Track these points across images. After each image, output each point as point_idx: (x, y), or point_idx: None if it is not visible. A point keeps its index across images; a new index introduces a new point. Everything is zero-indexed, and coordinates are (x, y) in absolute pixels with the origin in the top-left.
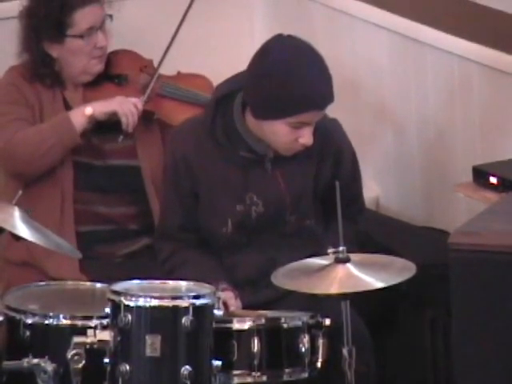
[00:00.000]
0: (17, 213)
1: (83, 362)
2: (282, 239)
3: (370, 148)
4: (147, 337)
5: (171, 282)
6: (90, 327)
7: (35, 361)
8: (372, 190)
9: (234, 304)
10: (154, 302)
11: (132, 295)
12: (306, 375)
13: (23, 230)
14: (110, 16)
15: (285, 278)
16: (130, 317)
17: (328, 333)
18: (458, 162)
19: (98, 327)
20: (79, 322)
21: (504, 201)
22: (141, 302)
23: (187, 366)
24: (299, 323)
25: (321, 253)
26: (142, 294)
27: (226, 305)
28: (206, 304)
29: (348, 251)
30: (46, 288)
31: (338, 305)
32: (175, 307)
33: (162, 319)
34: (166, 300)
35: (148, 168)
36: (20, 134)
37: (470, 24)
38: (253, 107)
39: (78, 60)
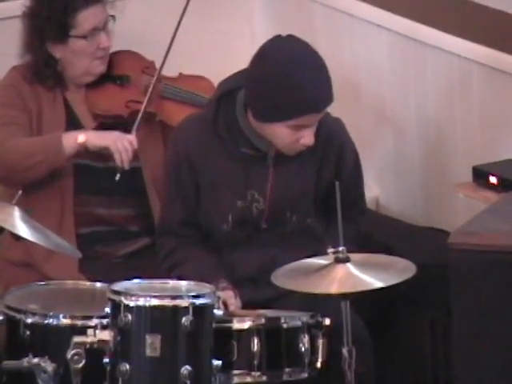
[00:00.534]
0: (17, 212)
1: (83, 361)
2: (282, 237)
3: (370, 148)
4: (147, 336)
5: (171, 282)
6: (90, 327)
7: (35, 360)
8: (372, 189)
9: (234, 303)
10: (154, 302)
11: (132, 295)
12: (305, 375)
13: (23, 230)
14: (113, 17)
15: (285, 277)
16: (129, 316)
17: (328, 333)
18: (457, 162)
19: (98, 327)
20: (79, 322)
21: (504, 201)
22: (141, 301)
23: (187, 366)
24: (299, 323)
25: (321, 252)
26: (142, 293)
27: (225, 304)
28: (205, 304)
29: (348, 251)
30: (46, 288)
31: (337, 305)
32: (175, 307)
33: (162, 319)
34: (165, 300)
35: (149, 169)
36: (12, 142)
37: (470, 24)
38: (252, 110)
39: (81, 61)
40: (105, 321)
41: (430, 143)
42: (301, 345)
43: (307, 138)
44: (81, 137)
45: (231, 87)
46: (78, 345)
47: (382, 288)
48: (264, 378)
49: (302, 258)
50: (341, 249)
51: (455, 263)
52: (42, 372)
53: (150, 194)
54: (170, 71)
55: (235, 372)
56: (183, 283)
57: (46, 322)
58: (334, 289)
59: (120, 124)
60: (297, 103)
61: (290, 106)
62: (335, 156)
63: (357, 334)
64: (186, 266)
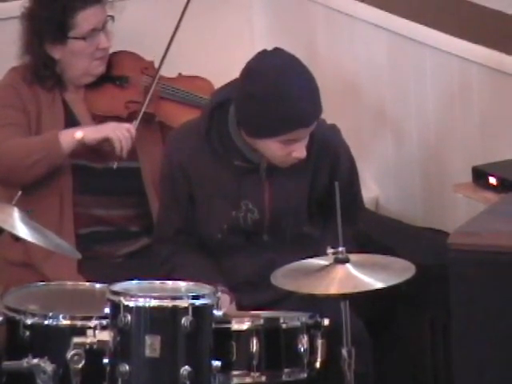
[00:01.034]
0: (16, 213)
1: (83, 362)
2: (280, 242)
3: (370, 148)
4: (147, 337)
5: (171, 283)
6: (90, 327)
7: (35, 361)
8: (371, 190)
9: (229, 308)
10: (154, 303)
11: (131, 295)
12: (304, 375)
13: (22, 231)
14: (112, 17)
15: (284, 278)
16: (129, 317)
17: (327, 333)
18: (457, 163)
19: (98, 327)
20: (79, 323)
21: (503, 201)
22: (140, 302)
23: (186, 367)
24: (298, 323)
25: (319, 254)
26: (142, 294)
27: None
28: (205, 304)
29: (346, 252)
30: (46, 288)
31: (337, 305)
32: (175, 307)
33: (162, 319)
34: (165, 300)
35: (148, 169)
36: (9, 143)
37: (469, 25)
38: (243, 126)
39: (80, 61)
40: (104, 321)
41: (429, 144)
42: (300, 345)
43: (298, 151)
44: (78, 133)
45: (223, 99)
46: (78, 345)
47: (382, 288)
48: (263, 379)
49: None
50: (340, 249)
51: (455, 263)
52: (42, 372)
53: (149, 194)
54: (169, 72)
55: (234, 372)
56: (183, 284)
57: (46, 322)
58: (333, 289)
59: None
60: (285, 119)
61: (279, 122)
62: (330, 162)
63: (356, 335)
64: (183, 272)
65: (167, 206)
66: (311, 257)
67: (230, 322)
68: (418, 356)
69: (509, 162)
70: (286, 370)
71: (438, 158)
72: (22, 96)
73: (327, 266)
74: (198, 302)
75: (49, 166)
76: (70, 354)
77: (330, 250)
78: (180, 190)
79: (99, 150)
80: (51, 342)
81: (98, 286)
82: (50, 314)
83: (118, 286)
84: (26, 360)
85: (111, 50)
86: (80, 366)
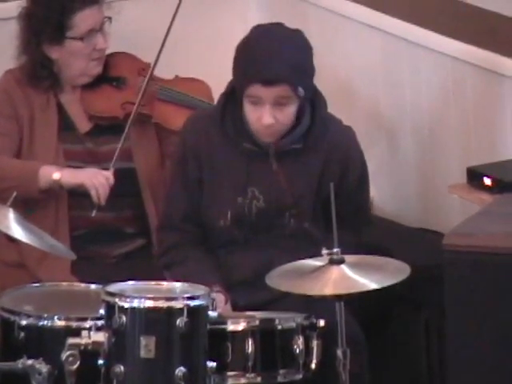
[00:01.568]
0: (11, 214)
1: (78, 363)
2: (279, 241)
3: (364, 149)
4: (142, 338)
5: (166, 284)
6: (85, 328)
7: (30, 362)
8: None
9: (223, 308)
10: (149, 304)
11: (126, 296)
12: (300, 376)
13: (17, 232)
14: (109, 18)
15: (279, 279)
16: (124, 318)
17: (322, 334)
18: (452, 164)
19: (93, 328)
20: (74, 324)
21: (498, 202)
22: (135, 303)
23: (181, 368)
24: (293, 324)
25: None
26: (137, 295)
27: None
28: (200, 305)
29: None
30: (41, 289)
31: (332, 306)
32: (170, 308)
33: (157, 320)
34: (160, 301)
35: (144, 171)
36: None
37: (464, 25)
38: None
39: (77, 62)
40: (99, 322)
41: (424, 145)
42: (295, 346)
43: (263, 117)
44: (55, 174)
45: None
46: (73, 346)
47: (377, 289)
48: (258, 380)
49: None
50: (335, 250)
51: (449, 264)
52: (37, 374)
53: (144, 196)
54: (165, 73)
55: (230, 373)
56: (178, 284)
57: (41, 323)
58: (328, 290)
59: (115, 125)
60: (245, 72)
61: (241, 76)
62: (340, 163)
63: (351, 335)
64: (182, 267)
65: (176, 189)
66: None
67: (225, 323)
68: (413, 357)
69: (503, 162)
70: (281, 371)
71: (432, 158)
72: (15, 102)
73: (322, 266)
74: (192, 303)
75: (19, 194)
76: (64, 354)
77: (324, 251)
78: (190, 172)
79: (95, 150)
80: (46, 343)
81: (92, 287)
82: (45, 315)
83: (113, 287)
84: (20, 361)
85: (108, 51)
86: (75, 366)
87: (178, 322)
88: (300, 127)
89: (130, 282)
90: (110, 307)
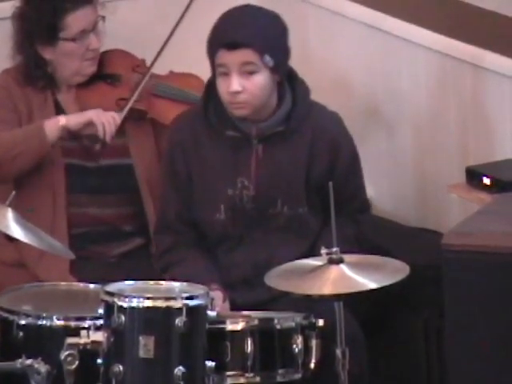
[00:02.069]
0: (10, 214)
1: (76, 363)
2: (276, 234)
3: (363, 148)
4: (140, 338)
5: (164, 283)
6: (84, 328)
7: (28, 362)
8: None
9: (221, 306)
10: (148, 303)
11: (125, 296)
12: (299, 376)
13: (16, 231)
14: (103, 17)
15: (278, 278)
16: (123, 318)
17: (321, 334)
18: (451, 163)
19: (92, 328)
20: (72, 323)
21: (497, 202)
22: (134, 302)
23: (180, 367)
24: (292, 324)
25: (316, 249)
26: (136, 294)
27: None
28: (199, 305)
29: (347, 252)
30: (40, 289)
31: (331, 306)
32: (168, 308)
33: (156, 320)
34: (159, 301)
35: (141, 167)
36: None
37: (463, 25)
38: None
39: (71, 62)
40: (98, 322)
41: (423, 144)
42: (294, 346)
43: (231, 85)
44: (61, 120)
45: None
46: (72, 346)
47: (376, 289)
48: (257, 379)
49: (297, 257)
50: (334, 249)
51: (448, 264)
52: (36, 373)
53: (142, 192)
54: (160, 69)
55: (228, 373)
56: (176, 284)
57: (40, 323)
58: (327, 290)
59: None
60: (211, 40)
61: (209, 44)
62: (328, 149)
63: (350, 335)
64: (180, 268)
65: (167, 188)
66: (308, 254)
67: (224, 323)
68: (412, 356)
69: (503, 162)
70: (280, 371)
71: (431, 158)
72: (14, 97)
73: (321, 266)
74: (191, 303)
75: (33, 158)
76: (63, 354)
77: (323, 251)
78: (179, 170)
79: (90, 148)
80: (45, 342)
81: (91, 286)
82: (44, 315)
83: (112, 287)
84: (19, 361)
85: (104, 49)
86: (74, 366)
87: (176, 321)
88: (281, 110)
89: (129, 282)
90: (109, 307)
